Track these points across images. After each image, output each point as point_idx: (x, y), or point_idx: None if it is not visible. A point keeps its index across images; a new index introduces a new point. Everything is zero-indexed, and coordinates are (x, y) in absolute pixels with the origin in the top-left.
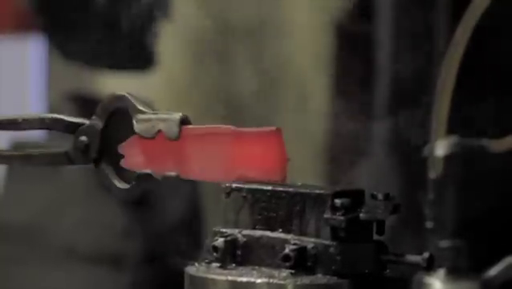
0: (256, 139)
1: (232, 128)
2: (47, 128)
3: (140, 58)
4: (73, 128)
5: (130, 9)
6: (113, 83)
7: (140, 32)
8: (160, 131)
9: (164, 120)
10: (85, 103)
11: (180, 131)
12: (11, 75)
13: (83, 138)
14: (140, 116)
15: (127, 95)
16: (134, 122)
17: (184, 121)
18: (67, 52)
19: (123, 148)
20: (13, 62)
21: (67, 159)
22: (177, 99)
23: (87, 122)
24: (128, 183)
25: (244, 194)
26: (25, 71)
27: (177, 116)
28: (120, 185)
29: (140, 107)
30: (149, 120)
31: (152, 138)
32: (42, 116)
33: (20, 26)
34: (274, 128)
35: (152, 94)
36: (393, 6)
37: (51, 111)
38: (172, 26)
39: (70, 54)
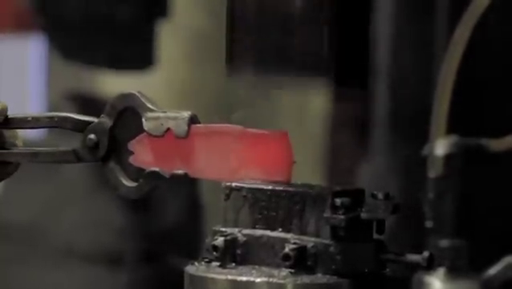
0: (263, 140)
1: (240, 127)
2: (56, 127)
3: (139, 58)
4: (82, 127)
5: (130, 8)
6: (113, 83)
7: (140, 32)
8: (169, 129)
9: (173, 119)
10: (85, 103)
11: (189, 129)
12: (11, 74)
13: (92, 136)
14: (149, 114)
15: (136, 93)
16: (143, 120)
17: (193, 120)
18: (67, 52)
19: (131, 146)
20: (13, 61)
21: (75, 157)
22: (177, 99)
23: (95, 120)
24: (136, 181)
25: (244, 194)
26: (25, 71)
27: (187, 114)
28: (128, 183)
29: (150, 106)
30: (158, 118)
31: (161, 136)
32: (51, 115)
33: (20, 26)
34: (281, 129)
35: (152, 94)
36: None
37: (51, 111)
38: (172, 26)
39: (70, 54)
